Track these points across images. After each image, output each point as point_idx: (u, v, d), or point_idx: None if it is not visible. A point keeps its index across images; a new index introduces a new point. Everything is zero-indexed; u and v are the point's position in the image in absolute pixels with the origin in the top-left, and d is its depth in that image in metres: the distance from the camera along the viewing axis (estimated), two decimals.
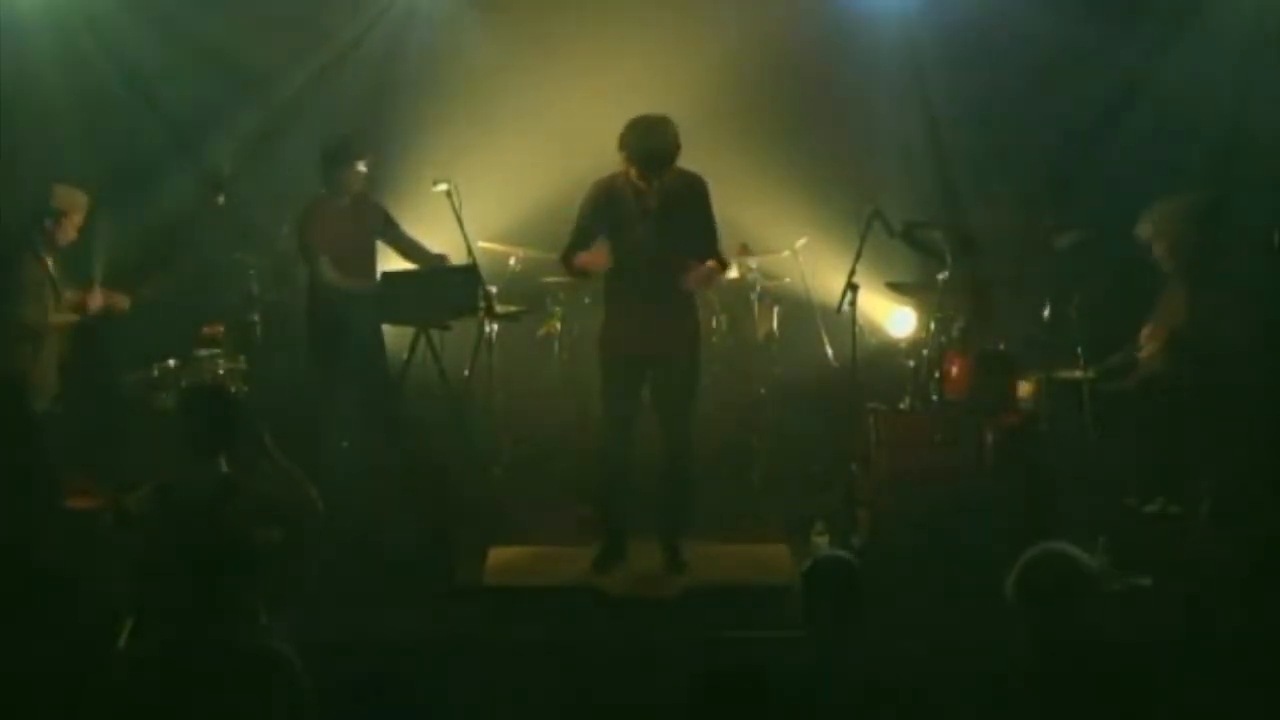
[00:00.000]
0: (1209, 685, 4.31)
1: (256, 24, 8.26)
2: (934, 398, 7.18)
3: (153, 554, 4.75)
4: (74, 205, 7.08)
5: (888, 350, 8.16)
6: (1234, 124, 8.06)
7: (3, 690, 4.49)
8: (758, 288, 8.25)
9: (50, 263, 7.02)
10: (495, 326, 7.55)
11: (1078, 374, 7.04)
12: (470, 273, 7.10)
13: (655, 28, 8.39)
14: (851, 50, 8.60)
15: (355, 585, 6.11)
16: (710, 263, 6.56)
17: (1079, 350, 7.02)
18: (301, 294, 7.49)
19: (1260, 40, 8.07)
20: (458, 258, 7.17)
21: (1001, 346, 7.20)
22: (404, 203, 7.69)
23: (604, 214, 6.51)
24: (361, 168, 7.25)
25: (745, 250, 8.27)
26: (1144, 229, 7.13)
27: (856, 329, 7.14)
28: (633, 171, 6.38)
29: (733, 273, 7.76)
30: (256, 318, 7.81)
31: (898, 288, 7.79)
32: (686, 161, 6.45)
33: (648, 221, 6.43)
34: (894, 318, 8.27)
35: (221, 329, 7.57)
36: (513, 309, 7.64)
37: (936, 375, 7.18)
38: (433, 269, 7.22)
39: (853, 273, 6.92)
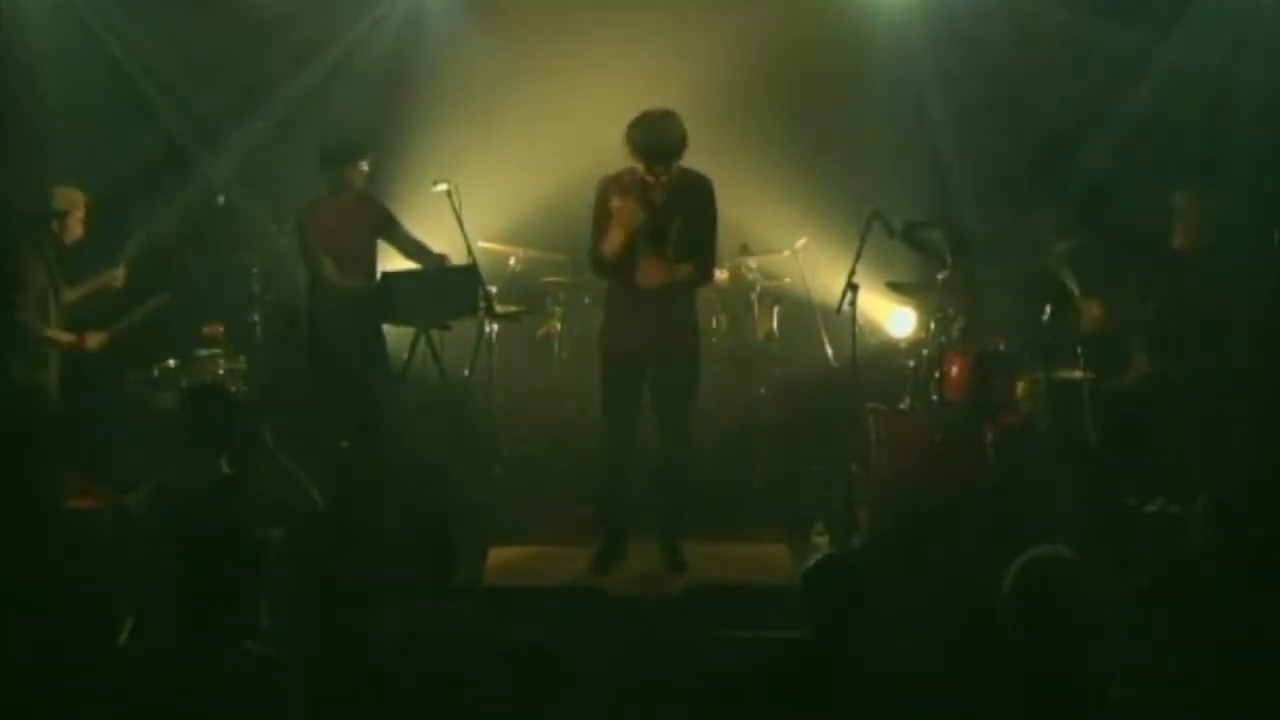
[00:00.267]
0: (1209, 685, 4.31)
1: (257, 25, 8.27)
2: (934, 398, 7.17)
3: (153, 554, 4.76)
4: (74, 204, 7.09)
5: (888, 350, 8.17)
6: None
7: (3, 690, 4.49)
8: (758, 288, 8.27)
9: (50, 272, 7.00)
10: (495, 326, 7.56)
11: (1078, 374, 7.04)
12: (470, 273, 7.10)
13: (655, 29, 8.39)
14: (851, 51, 8.61)
15: (355, 585, 6.10)
16: (685, 267, 6.44)
17: (1079, 350, 7.03)
18: (301, 294, 7.49)
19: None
20: (458, 258, 7.16)
21: (1001, 346, 7.21)
22: (404, 203, 7.68)
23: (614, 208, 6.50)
24: (363, 167, 7.25)
25: (745, 250, 8.29)
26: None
27: (856, 329, 7.15)
28: (640, 167, 6.37)
29: (721, 274, 7.75)
30: (256, 318, 7.83)
31: (898, 288, 7.79)
32: (687, 162, 6.43)
33: (653, 216, 6.41)
34: (894, 318, 8.29)
35: (221, 329, 7.58)
36: (513, 309, 7.65)
37: (936, 375, 7.17)
38: (433, 269, 7.21)
39: (853, 273, 6.93)
